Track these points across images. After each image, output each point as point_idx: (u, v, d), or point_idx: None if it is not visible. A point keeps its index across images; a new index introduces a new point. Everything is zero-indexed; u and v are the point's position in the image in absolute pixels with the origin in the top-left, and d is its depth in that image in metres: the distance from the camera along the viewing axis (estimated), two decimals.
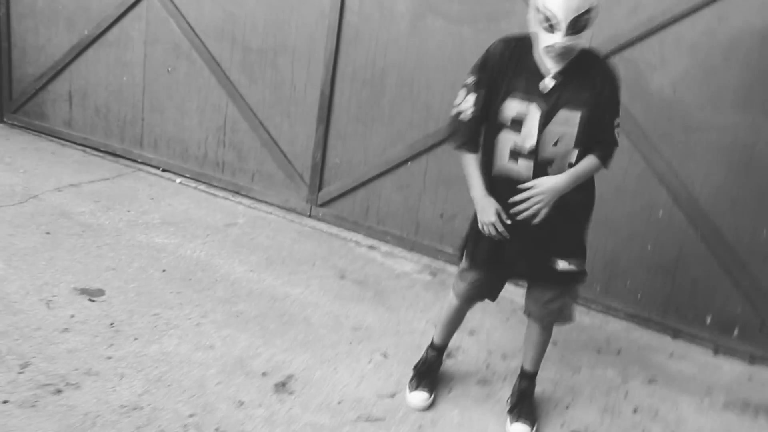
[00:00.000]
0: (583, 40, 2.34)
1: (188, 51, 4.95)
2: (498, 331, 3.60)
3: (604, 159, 2.58)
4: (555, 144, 2.44)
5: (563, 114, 2.41)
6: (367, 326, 3.48)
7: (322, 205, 4.72)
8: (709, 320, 3.73)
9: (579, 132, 2.43)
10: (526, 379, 2.95)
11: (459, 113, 2.56)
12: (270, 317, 3.44)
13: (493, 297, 2.89)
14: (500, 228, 2.54)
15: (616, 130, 2.56)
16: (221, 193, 5.04)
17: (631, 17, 3.56)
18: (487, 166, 2.58)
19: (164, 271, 3.77)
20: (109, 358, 2.92)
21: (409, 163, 4.32)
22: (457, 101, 2.57)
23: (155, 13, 5.01)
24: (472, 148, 2.59)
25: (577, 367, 3.37)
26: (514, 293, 4.00)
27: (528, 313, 2.85)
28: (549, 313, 2.78)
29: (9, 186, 4.63)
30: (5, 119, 6.03)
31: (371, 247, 4.46)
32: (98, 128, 5.57)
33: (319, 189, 4.70)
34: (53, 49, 5.57)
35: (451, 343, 3.19)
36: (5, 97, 5.97)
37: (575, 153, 2.48)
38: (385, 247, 4.46)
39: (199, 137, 5.11)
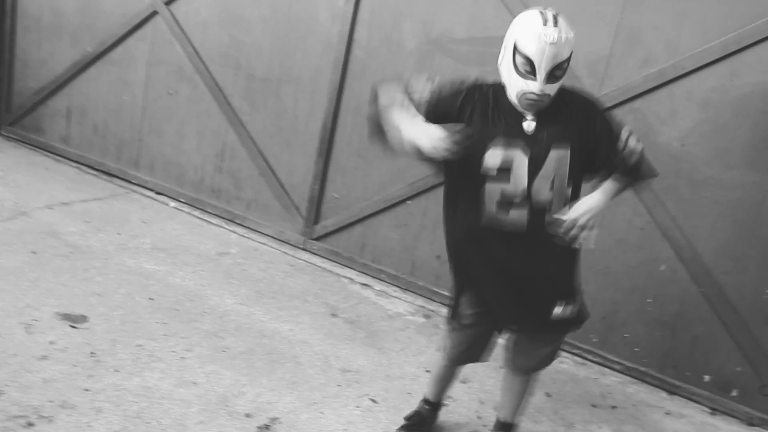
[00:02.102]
0: (557, 86, 2.27)
1: (191, 75, 4.90)
2: (491, 379, 3.49)
3: (635, 172, 2.46)
4: (551, 187, 2.31)
5: (554, 154, 2.29)
6: (357, 369, 3.37)
7: (317, 239, 4.63)
8: (707, 379, 3.64)
9: (570, 169, 2.32)
10: None
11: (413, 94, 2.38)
12: (257, 354, 3.33)
13: (483, 358, 2.76)
14: (456, 138, 2.18)
15: (630, 141, 2.40)
16: (215, 221, 4.95)
17: (642, 69, 3.51)
18: (472, 217, 2.39)
19: (151, 299, 3.66)
20: (87, 390, 2.80)
21: (408, 201, 4.25)
22: (413, 85, 2.42)
23: (160, 34, 4.97)
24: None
25: (570, 422, 3.26)
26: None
27: (512, 365, 2.72)
28: (539, 362, 2.68)
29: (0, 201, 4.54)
30: (1, 132, 5.96)
31: (365, 285, 4.36)
32: (95, 146, 5.50)
33: (315, 222, 4.62)
34: (55, 65, 5.52)
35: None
36: (3, 109, 5.91)
37: (570, 191, 2.38)
38: (379, 286, 4.37)
39: (196, 162, 5.03)
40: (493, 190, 2.32)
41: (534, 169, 2.29)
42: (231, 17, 4.66)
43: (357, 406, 3.06)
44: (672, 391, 3.70)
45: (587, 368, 3.80)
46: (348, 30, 4.23)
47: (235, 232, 4.82)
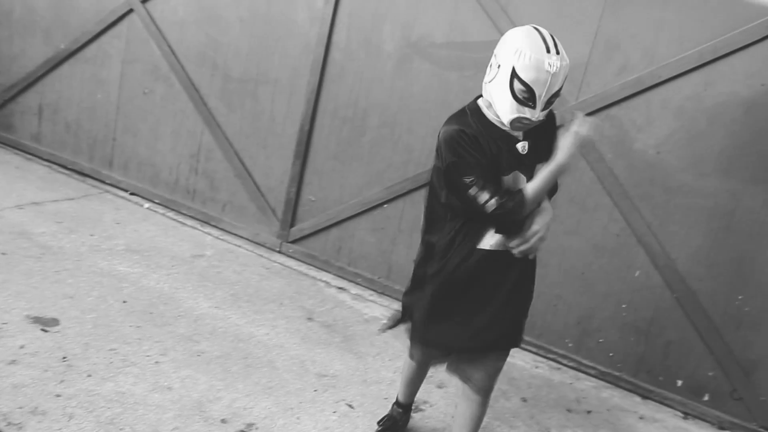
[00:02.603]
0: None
1: (167, 74, 4.84)
2: None
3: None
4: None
5: (539, 169, 2.33)
6: (334, 373, 3.35)
7: (293, 242, 4.60)
8: (680, 383, 3.68)
9: None
10: None
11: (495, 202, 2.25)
12: (233, 358, 3.29)
13: (450, 358, 2.67)
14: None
15: None
16: (190, 222, 4.89)
17: (619, 76, 3.55)
18: (471, 243, 2.38)
19: (125, 302, 3.61)
20: (59, 396, 2.75)
21: (385, 205, 4.24)
22: (481, 199, 2.25)
23: (136, 32, 4.90)
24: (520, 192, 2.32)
25: (546, 427, 3.28)
26: None
27: (475, 387, 2.58)
28: (494, 380, 2.62)
29: None
30: None
31: (341, 289, 4.34)
32: (67, 145, 5.40)
33: (291, 225, 4.58)
34: (27, 61, 5.41)
35: (419, 396, 3.09)
36: None
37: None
38: (355, 290, 4.35)
39: (171, 162, 4.97)
40: None
41: None
42: (208, 17, 4.61)
43: (334, 412, 3.04)
44: (645, 395, 3.74)
45: (562, 373, 3.83)
46: (327, 32, 4.21)
47: (210, 234, 4.77)
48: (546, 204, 2.40)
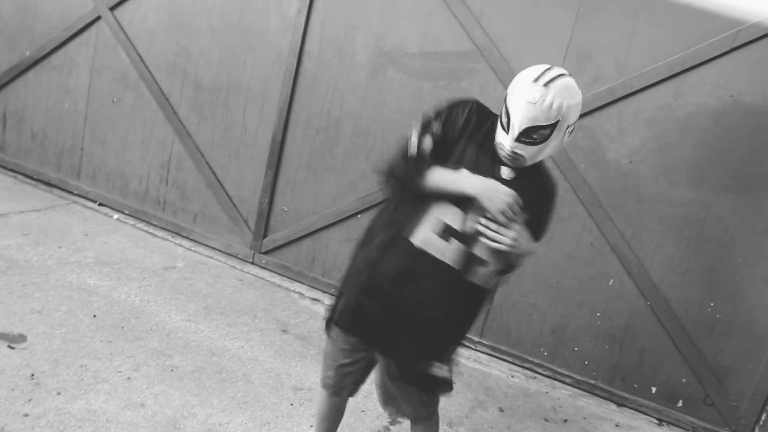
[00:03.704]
0: (540, 153, 2.08)
1: (136, 82, 4.76)
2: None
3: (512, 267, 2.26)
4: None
5: None
6: (309, 386, 3.31)
7: (265, 253, 4.55)
8: (654, 390, 3.72)
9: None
10: None
11: (417, 152, 2.16)
12: (207, 373, 3.23)
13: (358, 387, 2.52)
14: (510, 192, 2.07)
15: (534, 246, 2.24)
16: (161, 233, 4.81)
17: (592, 87, 3.58)
18: (403, 229, 2.18)
19: (95, 316, 3.52)
20: (26, 415, 2.66)
21: (359, 215, 4.21)
22: (413, 140, 2.17)
23: (104, 40, 4.81)
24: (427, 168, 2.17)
25: None
26: (460, 354, 3.92)
27: (411, 418, 2.47)
28: (424, 408, 2.42)
29: None
30: None
31: (315, 300, 4.30)
32: (33, 155, 5.28)
33: (264, 236, 4.53)
34: None
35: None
36: None
37: (501, 264, 2.19)
38: (329, 301, 4.30)
39: (140, 173, 4.88)
40: (446, 211, 2.14)
41: (492, 216, 2.11)
42: (179, 25, 4.55)
43: (310, 426, 3.00)
44: (621, 403, 3.77)
45: (538, 382, 3.84)
46: (299, 41, 4.18)
47: (181, 245, 4.69)
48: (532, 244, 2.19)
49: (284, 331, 3.81)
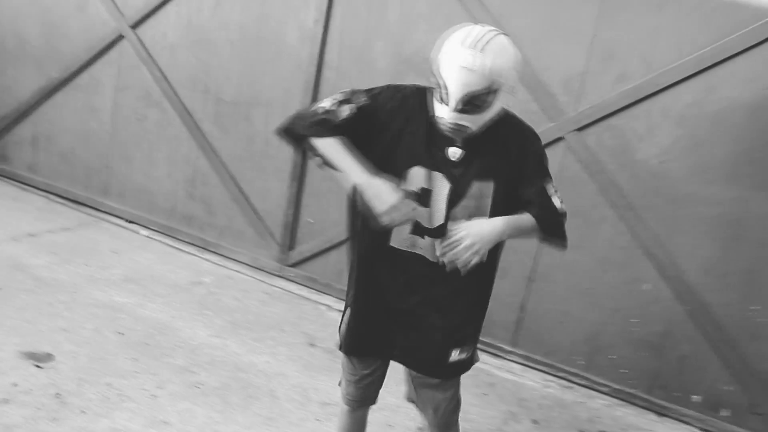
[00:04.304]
0: (483, 119, 1.97)
1: (159, 99, 4.78)
2: (476, 408, 3.38)
3: (545, 226, 2.14)
4: (468, 220, 2.06)
5: (477, 187, 2.04)
6: (336, 401, 3.21)
7: (293, 266, 4.51)
8: (696, 399, 3.57)
9: (493, 204, 2.06)
10: None
11: (326, 112, 2.02)
12: (232, 389, 3.20)
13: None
14: (410, 208, 1.99)
15: (554, 198, 2.12)
16: (188, 248, 4.81)
17: (617, 85, 3.46)
18: (379, 239, 2.10)
19: (121, 333, 3.52)
20: None
21: None
22: (324, 104, 2.04)
23: (127, 59, 4.85)
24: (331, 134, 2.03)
25: None
26: (491, 365, 3.83)
27: (430, 424, 2.38)
28: (444, 412, 2.34)
29: None
30: None
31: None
32: (63, 174, 5.34)
33: (291, 248, 4.50)
34: (20, 91, 5.38)
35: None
36: None
37: None
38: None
39: (167, 189, 4.90)
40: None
41: (454, 199, 2.04)
42: (199, 40, 4.56)
43: None
44: (661, 412, 3.62)
45: (574, 392, 3.71)
46: (318, 51, 4.15)
47: (208, 260, 4.68)
48: (499, 224, 2.04)
49: (312, 345, 3.75)
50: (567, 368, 3.79)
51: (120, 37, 4.83)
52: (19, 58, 5.33)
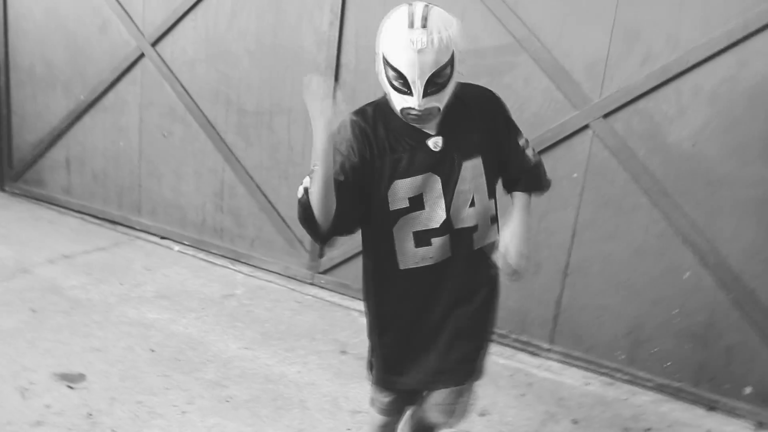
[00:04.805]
0: (447, 94, 1.91)
1: (183, 114, 4.79)
2: (513, 409, 3.27)
3: (536, 186, 2.18)
4: (471, 204, 2.02)
5: (467, 167, 1.99)
6: (368, 409, 3.15)
7: (324, 272, 4.47)
8: (748, 391, 3.38)
9: (487, 180, 2.03)
10: None
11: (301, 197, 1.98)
12: (262, 401, 3.16)
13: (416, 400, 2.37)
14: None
15: (528, 151, 2.14)
16: (220, 261, 4.81)
17: (643, 67, 3.31)
18: (388, 268, 2.06)
19: (153, 350, 3.52)
20: None
21: None
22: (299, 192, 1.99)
23: (150, 76, 4.88)
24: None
25: None
26: (528, 364, 3.71)
27: (430, 422, 2.33)
28: (457, 415, 2.28)
29: (0, 260, 4.45)
30: (6, 188, 5.92)
31: None
32: (96, 195, 5.41)
33: (321, 255, 4.45)
34: (51, 116, 5.47)
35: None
36: (5, 166, 5.87)
37: (492, 204, 2.09)
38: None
39: (196, 203, 4.91)
40: (406, 224, 2.00)
41: (449, 188, 1.99)
42: (217, 53, 4.56)
43: None
44: (711, 406, 3.44)
45: (616, 388, 3.56)
46: (335, 54, 4.09)
47: (240, 272, 4.67)
48: (521, 223, 2.07)
49: (343, 352, 3.70)
50: (608, 364, 3.64)
51: (141, 56, 4.86)
52: (48, 84, 5.42)
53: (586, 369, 3.70)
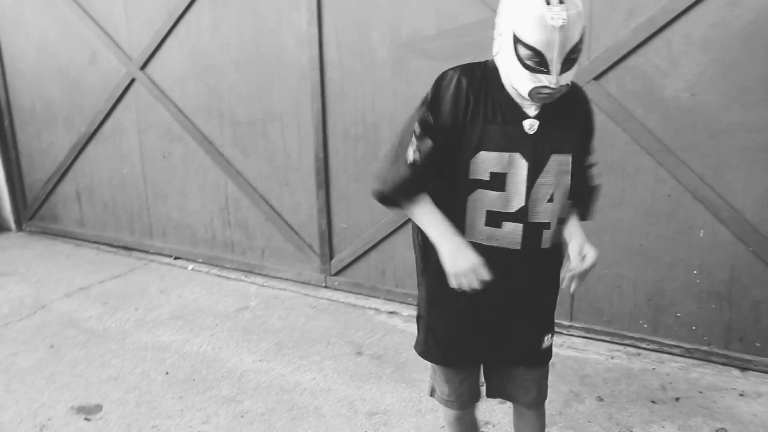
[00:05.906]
0: (575, 71, 1.84)
1: (180, 133, 4.78)
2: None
3: (583, 211, 2.11)
4: (550, 200, 1.94)
5: (555, 160, 1.92)
6: (385, 409, 3.10)
7: (336, 274, 4.40)
8: None
9: (572, 179, 1.97)
10: None
11: (412, 165, 1.91)
12: (277, 413, 3.10)
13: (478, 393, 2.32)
14: (483, 277, 1.87)
15: (592, 171, 2.10)
16: (233, 275, 4.78)
17: (628, 21, 3.16)
18: (460, 233, 1.97)
19: (167, 373, 3.50)
20: None
21: None
22: (408, 155, 1.92)
23: (143, 100, 4.87)
24: (420, 192, 1.96)
25: (628, 426, 2.90)
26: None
27: (524, 404, 2.28)
28: (541, 394, 2.25)
29: (19, 299, 4.50)
30: (23, 227, 5.99)
31: (392, 313, 4.09)
32: (108, 223, 5.44)
33: (331, 257, 4.39)
34: (56, 152, 5.53)
35: (480, 416, 2.78)
36: (20, 205, 5.95)
37: (567, 207, 2.02)
38: (407, 311, 4.09)
39: (204, 220, 4.89)
40: (483, 199, 1.93)
41: (533, 177, 1.91)
42: (204, 67, 4.52)
43: None
44: (744, 367, 3.29)
45: (642, 359, 3.42)
46: (317, 53, 4.02)
47: (254, 283, 4.64)
48: (579, 230, 2.03)
49: (358, 353, 3.62)
50: (632, 334, 3.50)
51: (132, 81, 4.87)
52: (49, 120, 5.47)
53: (611, 342, 3.57)
